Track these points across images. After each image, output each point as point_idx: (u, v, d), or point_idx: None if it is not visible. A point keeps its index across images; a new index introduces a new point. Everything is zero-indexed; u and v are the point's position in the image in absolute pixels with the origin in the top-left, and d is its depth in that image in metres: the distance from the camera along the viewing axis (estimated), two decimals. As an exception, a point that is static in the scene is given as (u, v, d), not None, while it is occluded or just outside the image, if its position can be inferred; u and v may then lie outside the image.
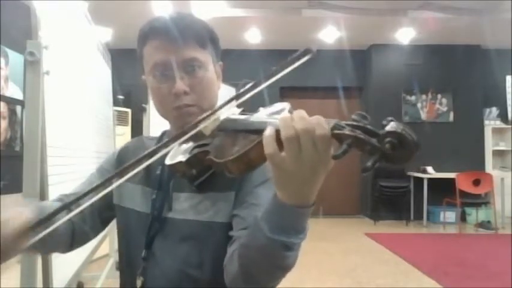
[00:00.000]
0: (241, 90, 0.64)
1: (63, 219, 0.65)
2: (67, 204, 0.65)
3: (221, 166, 0.61)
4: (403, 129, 0.46)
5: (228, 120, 0.68)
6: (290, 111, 0.61)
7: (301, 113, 0.53)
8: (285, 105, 0.65)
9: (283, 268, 0.63)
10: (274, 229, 0.59)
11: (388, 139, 0.47)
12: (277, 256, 0.60)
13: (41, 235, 0.63)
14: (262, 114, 0.66)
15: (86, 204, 0.65)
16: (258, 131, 0.57)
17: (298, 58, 0.59)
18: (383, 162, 0.48)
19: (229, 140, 0.64)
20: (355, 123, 0.50)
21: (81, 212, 0.88)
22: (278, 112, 0.63)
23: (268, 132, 0.54)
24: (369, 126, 0.49)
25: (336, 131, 0.50)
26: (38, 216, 0.66)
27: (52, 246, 0.86)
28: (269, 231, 0.59)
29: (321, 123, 0.51)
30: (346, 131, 0.49)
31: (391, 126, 0.47)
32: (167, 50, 0.80)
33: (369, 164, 0.47)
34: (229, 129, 0.66)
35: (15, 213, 0.69)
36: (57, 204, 0.84)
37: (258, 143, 0.57)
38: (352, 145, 0.49)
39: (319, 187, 0.57)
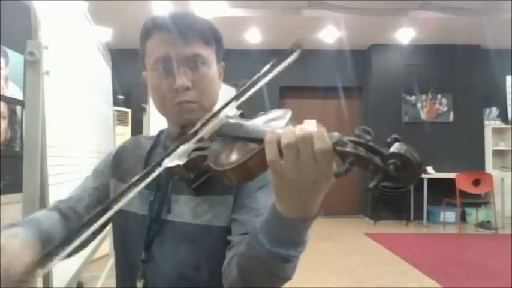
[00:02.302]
0: (240, 90, 0.63)
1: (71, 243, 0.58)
2: (72, 234, 0.58)
3: (220, 174, 0.60)
4: (407, 151, 0.46)
5: (227, 126, 0.67)
6: (291, 119, 0.61)
7: (304, 126, 0.53)
8: (286, 111, 0.64)
9: (282, 278, 0.63)
10: (272, 242, 0.59)
11: (392, 160, 0.46)
12: (276, 267, 0.60)
13: (48, 267, 0.57)
14: (262, 121, 0.65)
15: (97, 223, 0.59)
16: (258, 140, 0.56)
17: (288, 56, 0.59)
18: (386, 182, 0.47)
19: (228, 146, 0.63)
20: (357, 139, 0.49)
21: (77, 214, 0.87)
22: (278, 118, 0.62)
23: (271, 138, 0.53)
24: (371, 144, 0.48)
25: (338, 148, 0.49)
26: (43, 243, 0.67)
27: None
28: (268, 244, 0.59)
29: (322, 136, 0.50)
30: (349, 148, 0.49)
31: (395, 147, 0.46)
32: (170, 45, 0.80)
33: (373, 184, 0.47)
34: (229, 135, 0.65)
35: (21, 247, 0.63)
36: (55, 216, 0.83)
37: (257, 152, 0.56)
38: (354, 163, 0.48)
39: (319, 200, 0.56)
